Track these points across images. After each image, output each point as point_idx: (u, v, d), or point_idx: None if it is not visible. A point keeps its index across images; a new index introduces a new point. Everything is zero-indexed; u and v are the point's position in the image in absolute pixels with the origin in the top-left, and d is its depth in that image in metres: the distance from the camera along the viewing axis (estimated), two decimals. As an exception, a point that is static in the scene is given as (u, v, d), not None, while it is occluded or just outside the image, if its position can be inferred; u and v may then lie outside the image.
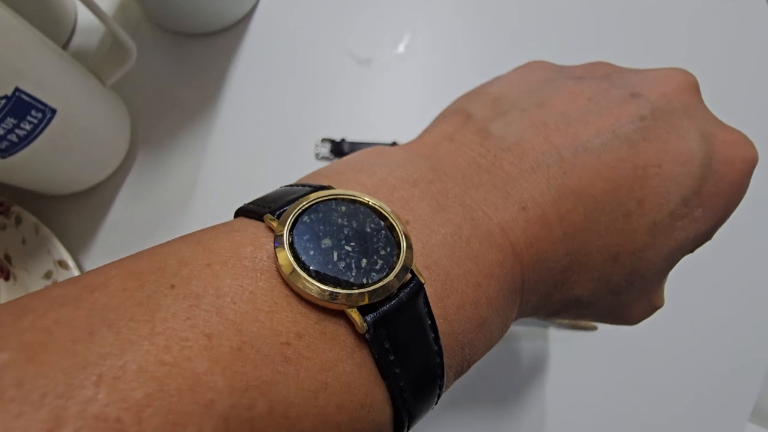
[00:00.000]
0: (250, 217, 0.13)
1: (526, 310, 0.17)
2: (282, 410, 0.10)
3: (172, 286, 0.11)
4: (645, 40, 0.37)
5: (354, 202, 0.13)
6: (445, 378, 0.13)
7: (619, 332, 0.31)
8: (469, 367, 0.15)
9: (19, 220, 0.31)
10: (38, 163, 0.27)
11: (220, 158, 0.34)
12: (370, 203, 0.13)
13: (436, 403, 0.14)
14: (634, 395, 0.30)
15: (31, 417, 0.08)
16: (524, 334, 0.31)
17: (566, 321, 0.31)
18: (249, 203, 0.14)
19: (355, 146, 0.33)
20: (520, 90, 0.18)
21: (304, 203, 0.13)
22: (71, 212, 0.33)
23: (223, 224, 0.13)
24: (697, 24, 0.38)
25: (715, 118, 0.17)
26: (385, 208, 0.13)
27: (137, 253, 0.12)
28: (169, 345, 0.10)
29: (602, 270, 0.16)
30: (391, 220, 0.13)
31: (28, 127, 0.25)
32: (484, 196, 0.15)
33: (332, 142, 0.34)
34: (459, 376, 0.15)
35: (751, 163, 0.17)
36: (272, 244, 0.12)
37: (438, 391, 0.13)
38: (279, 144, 0.34)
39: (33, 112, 0.24)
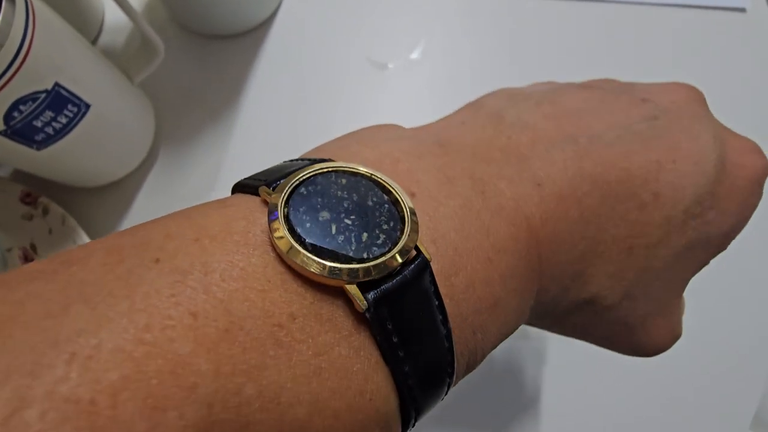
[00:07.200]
0: (246, 192, 0.13)
1: (545, 302, 0.16)
2: (272, 396, 0.10)
3: (157, 260, 0.10)
4: (645, 61, 0.38)
5: (355, 174, 0.12)
6: (455, 365, 0.13)
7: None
8: (483, 357, 0.14)
9: (46, 211, 0.32)
10: (69, 156, 0.28)
11: (239, 156, 0.35)
12: (372, 176, 0.13)
13: (446, 393, 0.13)
14: (634, 402, 0.31)
15: None
16: (527, 333, 0.32)
17: (573, 321, 0.32)
18: (246, 178, 0.13)
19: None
20: (534, 90, 0.19)
21: (302, 175, 0.12)
22: (96, 204, 0.34)
23: (217, 200, 0.13)
24: (699, 40, 0.39)
25: (726, 127, 0.18)
26: (389, 182, 0.13)
27: (123, 230, 0.11)
28: (150, 323, 0.09)
29: (617, 263, 0.16)
30: (395, 194, 0.12)
31: (63, 120, 0.26)
32: (497, 170, 0.15)
33: (349, 142, 0.35)
34: (471, 366, 0.14)
35: (763, 171, 0.17)
36: (266, 219, 0.11)
37: (447, 380, 0.13)
38: (297, 143, 0.35)
39: (69, 107, 0.25)
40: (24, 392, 0.08)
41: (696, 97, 0.18)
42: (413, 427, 0.13)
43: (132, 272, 0.10)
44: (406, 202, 0.12)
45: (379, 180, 0.13)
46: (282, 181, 0.12)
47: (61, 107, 0.25)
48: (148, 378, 0.09)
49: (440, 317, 0.12)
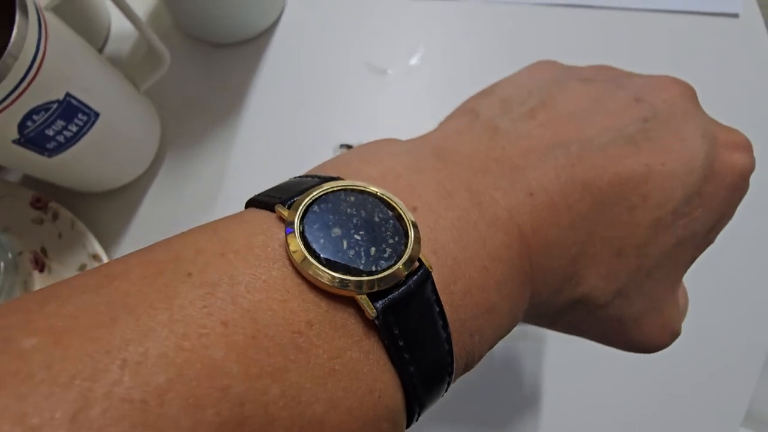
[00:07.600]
0: (261, 208, 0.14)
1: (538, 304, 0.17)
2: (294, 395, 0.11)
3: (189, 274, 0.11)
4: (640, 65, 0.39)
5: (363, 192, 0.14)
6: (454, 365, 0.14)
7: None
8: (480, 357, 0.15)
9: (56, 216, 0.33)
10: (78, 163, 0.29)
11: (243, 161, 0.36)
12: (378, 194, 0.14)
13: (446, 390, 0.14)
14: (628, 399, 0.31)
15: (60, 398, 0.09)
16: (525, 332, 0.33)
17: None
18: (259, 194, 0.14)
19: (372, 152, 0.35)
20: (528, 90, 0.19)
21: (314, 194, 0.13)
22: (104, 208, 0.35)
23: (235, 215, 0.14)
24: (691, 42, 0.39)
25: (716, 122, 0.18)
26: (393, 199, 0.14)
27: (156, 244, 0.13)
28: (187, 332, 0.10)
29: (609, 265, 0.16)
30: (399, 210, 0.13)
31: (74, 129, 0.27)
32: (492, 181, 0.16)
33: (351, 147, 0.36)
34: (470, 366, 0.15)
35: (749, 167, 0.17)
36: (283, 234, 0.12)
37: (447, 379, 0.14)
38: (299, 148, 0.36)
39: (80, 115, 0.26)
40: (86, 394, 0.09)
41: (687, 93, 0.18)
42: (416, 421, 0.14)
43: (168, 285, 0.11)
44: (408, 217, 0.13)
45: (383, 197, 0.14)
46: (296, 198, 0.13)
47: (71, 116, 0.26)
48: (189, 380, 0.10)
49: (441, 323, 0.13)
